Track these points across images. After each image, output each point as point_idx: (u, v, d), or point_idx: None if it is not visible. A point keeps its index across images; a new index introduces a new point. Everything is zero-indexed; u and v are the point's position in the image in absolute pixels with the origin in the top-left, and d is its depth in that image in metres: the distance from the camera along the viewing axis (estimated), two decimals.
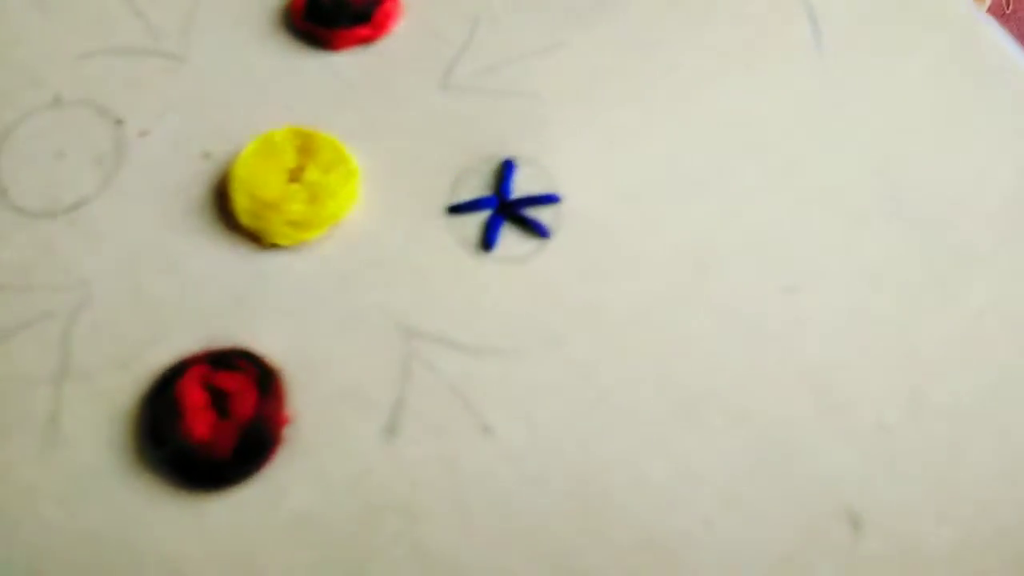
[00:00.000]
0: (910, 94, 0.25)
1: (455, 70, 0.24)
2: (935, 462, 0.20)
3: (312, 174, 0.21)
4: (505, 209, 0.22)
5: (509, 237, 0.22)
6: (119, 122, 0.22)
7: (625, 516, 0.18)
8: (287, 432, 0.18)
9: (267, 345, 0.19)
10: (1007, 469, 0.20)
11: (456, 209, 0.22)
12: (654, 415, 0.20)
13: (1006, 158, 0.24)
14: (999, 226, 0.23)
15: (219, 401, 0.18)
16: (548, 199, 0.22)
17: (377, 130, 0.23)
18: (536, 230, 0.22)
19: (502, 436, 0.19)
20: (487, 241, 0.21)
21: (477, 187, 0.22)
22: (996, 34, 0.27)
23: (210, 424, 0.18)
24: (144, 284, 0.20)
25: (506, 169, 0.22)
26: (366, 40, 0.24)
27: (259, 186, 0.21)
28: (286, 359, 0.19)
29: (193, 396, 0.18)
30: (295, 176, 0.21)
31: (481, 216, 0.22)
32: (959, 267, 0.22)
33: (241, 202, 0.20)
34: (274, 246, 0.21)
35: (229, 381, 0.18)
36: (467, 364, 0.20)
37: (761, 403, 0.20)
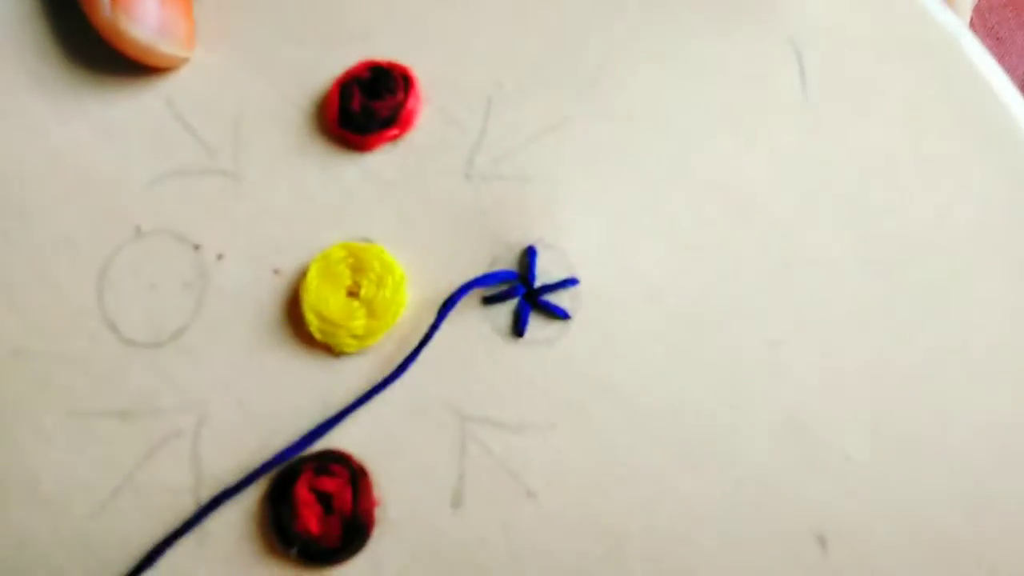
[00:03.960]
0: (884, 134, 0.28)
1: (476, 159, 0.27)
2: (892, 487, 0.25)
3: (368, 290, 0.25)
4: (531, 296, 0.26)
5: (537, 321, 0.26)
6: (197, 247, 0.26)
7: (643, 552, 0.24)
8: (377, 513, 0.24)
9: (352, 439, 0.24)
10: (953, 485, 0.25)
11: (490, 299, 0.26)
12: (663, 469, 0.24)
13: (971, 190, 0.27)
14: (960, 262, 0.27)
15: (323, 499, 0.23)
16: (567, 283, 0.26)
17: (415, 228, 0.26)
18: (557, 314, 0.26)
19: (544, 499, 0.24)
20: (518, 329, 0.25)
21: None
22: (975, 53, 0.29)
23: (319, 519, 0.23)
24: (247, 399, 0.25)
25: (529, 257, 0.26)
26: (395, 139, 0.27)
27: (324, 307, 0.25)
28: (368, 450, 0.24)
29: (304, 498, 0.23)
30: (353, 291, 0.25)
31: (512, 303, 0.26)
32: (920, 306, 0.26)
33: (312, 321, 0.25)
34: (343, 354, 0.25)
35: (329, 484, 0.23)
36: (510, 440, 0.25)
37: (748, 448, 0.25)
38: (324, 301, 0.25)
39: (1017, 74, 0.77)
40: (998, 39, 0.78)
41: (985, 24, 0.79)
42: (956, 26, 0.29)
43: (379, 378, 0.25)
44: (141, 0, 0.26)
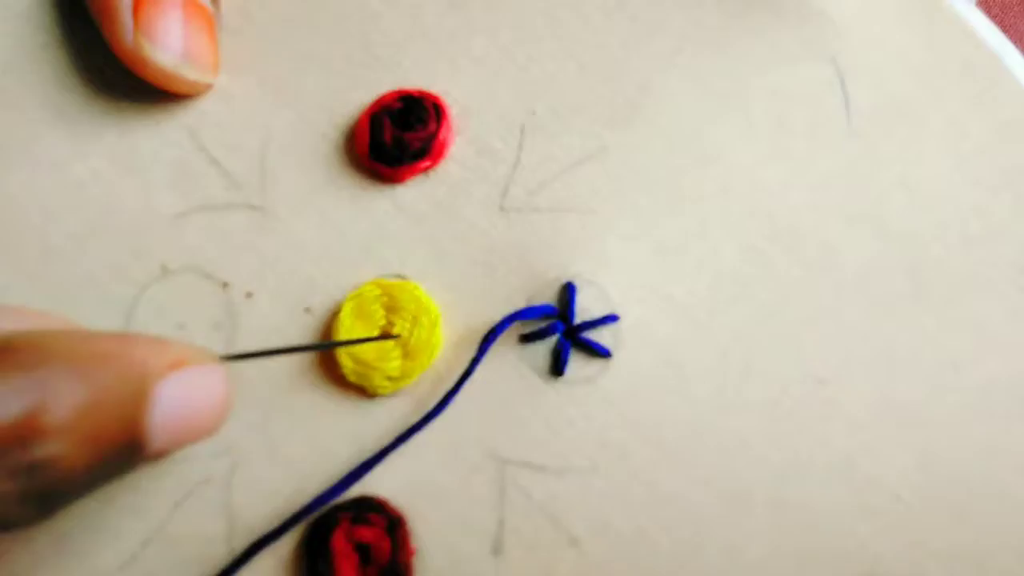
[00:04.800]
0: (931, 160, 0.27)
1: (510, 191, 0.26)
2: (944, 528, 0.24)
3: (403, 330, 0.24)
4: (571, 334, 0.25)
5: (576, 358, 0.25)
6: (225, 285, 0.25)
7: None
8: (415, 563, 0.23)
9: (389, 484, 0.24)
10: (1005, 524, 0.24)
11: (527, 337, 0.25)
12: (710, 513, 0.24)
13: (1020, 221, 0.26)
14: (1013, 294, 0.26)
15: (361, 549, 0.23)
16: (607, 320, 0.25)
17: (448, 264, 0.25)
18: (599, 352, 0.25)
19: (587, 546, 0.23)
20: (558, 368, 0.25)
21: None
22: (1019, 70, 0.28)
23: (357, 570, 0.22)
24: (279, 443, 0.24)
25: (569, 294, 0.25)
26: (427, 170, 0.26)
27: (358, 348, 0.24)
28: (405, 495, 0.24)
29: (341, 549, 0.22)
30: (387, 331, 0.24)
31: (549, 342, 0.25)
32: (969, 343, 0.25)
33: (346, 364, 0.24)
34: (377, 395, 0.24)
35: (366, 534, 0.23)
36: (551, 484, 0.24)
37: (797, 491, 0.24)
38: None
39: None
40: (1001, 25, 0.77)
41: (989, 10, 0.78)
42: (999, 43, 0.28)
43: (415, 420, 0.24)
44: (164, 25, 0.26)
